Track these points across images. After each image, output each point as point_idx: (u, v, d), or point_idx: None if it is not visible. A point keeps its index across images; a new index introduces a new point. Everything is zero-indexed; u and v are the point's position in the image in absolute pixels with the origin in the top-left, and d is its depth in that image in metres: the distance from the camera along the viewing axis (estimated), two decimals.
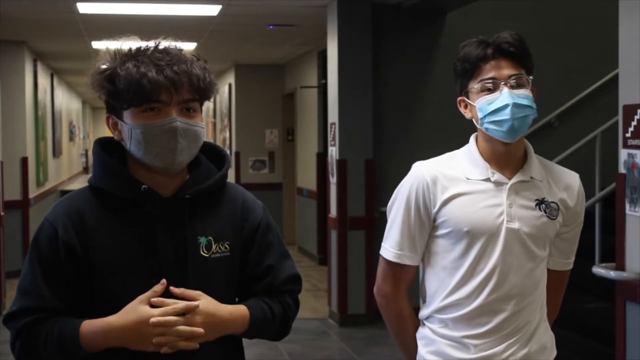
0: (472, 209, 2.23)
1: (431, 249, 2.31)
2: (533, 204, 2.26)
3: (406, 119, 7.55)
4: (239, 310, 2.02)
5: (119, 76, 1.94)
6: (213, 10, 7.79)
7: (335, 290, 7.51)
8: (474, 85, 2.26)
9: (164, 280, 1.93)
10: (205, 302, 1.94)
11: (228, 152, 13.40)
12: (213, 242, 2.03)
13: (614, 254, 4.16)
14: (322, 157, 10.19)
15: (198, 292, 1.95)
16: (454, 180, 2.27)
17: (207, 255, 2.01)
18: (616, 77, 4.41)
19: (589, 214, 6.00)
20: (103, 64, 1.98)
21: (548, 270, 2.34)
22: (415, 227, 2.29)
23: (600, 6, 7.51)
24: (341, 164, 7.34)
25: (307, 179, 11.38)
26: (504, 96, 2.20)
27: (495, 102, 2.21)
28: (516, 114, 2.20)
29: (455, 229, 2.24)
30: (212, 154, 2.14)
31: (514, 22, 7.59)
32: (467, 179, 2.27)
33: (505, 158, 2.28)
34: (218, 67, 13.47)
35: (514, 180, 2.26)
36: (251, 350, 6.74)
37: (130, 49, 1.99)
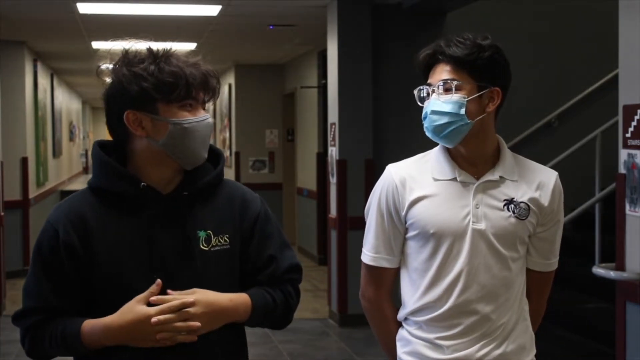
0: (438, 210, 2.23)
1: (404, 251, 2.32)
2: (501, 204, 2.24)
3: (406, 119, 7.54)
4: (240, 297, 2.07)
5: (164, 70, 2.00)
6: (213, 10, 7.80)
7: (335, 290, 7.51)
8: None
9: (159, 281, 1.97)
10: (202, 294, 1.99)
11: (228, 152, 13.45)
12: (212, 236, 2.07)
13: (614, 254, 4.15)
14: (322, 157, 10.19)
15: (192, 289, 2.00)
16: (421, 182, 2.26)
17: (206, 249, 2.06)
18: (616, 77, 4.41)
19: (589, 214, 6.07)
20: (139, 58, 2.03)
21: (529, 270, 2.32)
22: (390, 230, 2.30)
23: (600, 6, 7.51)
24: (341, 164, 7.34)
25: (307, 179, 11.38)
26: (429, 103, 2.23)
27: (424, 109, 2.25)
28: (434, 121, 2.21)
29: (422, 231, 2.24)
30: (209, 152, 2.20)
31: (514, 22, 7.61)
32: (435, 179, 2.26)
33: (471, 157, 2.26)
34: (218, 67, 13.41)
35: (481, 180, 2.25)
36: (251, 351, 6.68)
37: (165, 48, 2.06)
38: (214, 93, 2.09)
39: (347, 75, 7.33)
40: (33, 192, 10.45)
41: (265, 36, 9.57)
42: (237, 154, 12.86)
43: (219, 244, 2.08)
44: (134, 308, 1.95)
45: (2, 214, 8.07)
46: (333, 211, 7.51)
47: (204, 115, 2.06)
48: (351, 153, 7.34)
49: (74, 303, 2.02)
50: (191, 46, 10.37)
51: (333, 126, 7.50)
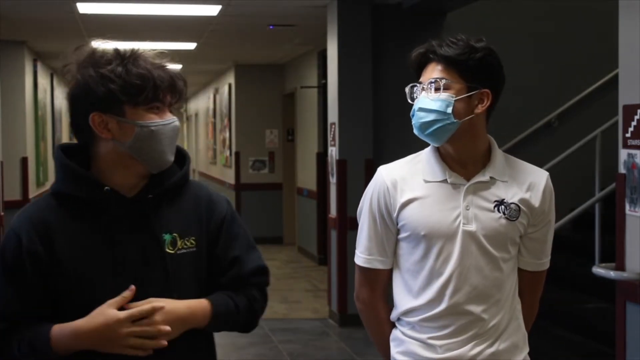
0: (428, 212, 2.24)
1: (396, 252, 2.33)
2: (491, 205, 2.24)
3: (406, 119, 7.48)
4: (199, 303, 2.03)
5: (131, 71, 1.96)
6: (213, 10, 7.80)
7: (335, 290, 7.51)
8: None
9: (132, 287, 1.94)
10: (161, 302, 1.96)
11: (228, 152, 13.45)
12: (178, 239, 2.04)
13: (614, 254, 4.15)
14: (322, 157, 10.19)
15: (148, 299, 1.96)
16: (412, 184, 2.27)
17: (172, 252, 2.03)
18: (616, 77, 4.40)
19: (589, 214, 6.07)
20: (105, 58, 1.98)
21: (521, 270, 2.33)
22: (382, 231, 2.31)
23: (600, 6, 7.51)
24: (341, 164, 7.34)
25: (307, 179, 11.38)
26: (418, 101, 2.25)
27: (413, 106, 2.26)
28: (421, 118, 2.23)
29: (413, 232, 2.25)
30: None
31: (514, 22, 7.62)
32: (425, 181, 2.27)
33: (461, 158, 2.27)
34: (218, 67, 13.47)
35: (471, 181, 2.25)
36: (251, 350, 6.73)
37: (133, 49, 2.01)
38: (180, 95, 2.05)
39: (347, 75, 7.33)
40: (33, 192, 10.45)
41: (265, 36, 9.57)
42: (237, 154, 12.86)
43: (185, 246, 2.05)
44: (105, 312, 1.92)
45: (2, 214, 8.06)
46: (333, 211, 7.51)
47: (171, 118, 2.02)
48: (351, 153, 7.34)
49: (39, 309, 1.98)
50: (191, 46, 10.37)
51: (333, 126, 7.50)
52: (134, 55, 1.99)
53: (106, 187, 1.99)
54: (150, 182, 2.04)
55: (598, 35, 7.51)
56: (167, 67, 2.02)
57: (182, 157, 2.13)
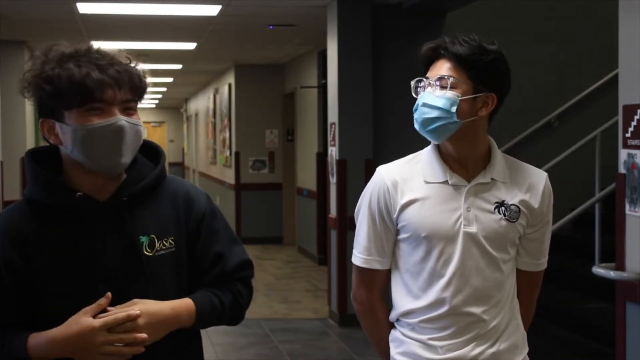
0: (429, 213, 2.23)
1: (395, 252, 2.32)
2: (492, 207, 2.24)
3: (406, 119, 7.51)
4: (183, 304, 2.00)
5: (60, 76, 1.90)
6: (213, 10, 7.80)
7: (335, 290, 7.52)
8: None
9: (108, 294, 1.91)
10: (143, 305, 1.93)
11: (228, 152, 13.45)
12: (156, 240, 2.00)
13: (614, 254, 4.16)
14: (322, 157, 10.19)
15: (132, 301, 1.93)
16: (413, 184, 2.26)
17: (150, 254, 1.99)
18: (616, 77, 4.40)
19: (589, 214, 6.07)
20: (39, 66, 1.95)
21: (519, 271, 2.33)
22: (381, 232, 2.30)
23: (600, 6, 7.52)
24: (341, 164, 7.35)
25: (307, 179, 11.38)
26: (422, 96, 2.23)
27: (417, 101, 2.25)
28: (424, 114, 2.21)
29: (413, 234, 2.24)
30: (147, 150, 2.09)
31: (514, 22, 7.62)
32: (426, 182, 2.26)
33: (461, 158, 2.26)
34: (218, 67, 13.47)
35: (472, 182, 2.25)
36: (251, 350, 6.74)
37: (66, 51, 1.95)
38: (140, 92, 1.98)
39: (347, 75, 7.33)
40: None
41: (265, 36, 9.57)
42: (237, 154, 12.87)
43: (164, 247, 2.00)
44: (80, 320, 1.89)
45: None
46: (333, 211, 7.51)
47: (113, 119, 1.91)
48: (351, 153, 7.34)
49: (17, 318, 1.95)
50: (191, 46, 10.37)
51: (333, 126, 7.51)
52: (74, 56, 1.93)
53: (78, 193, 1.95)
54: (124, 183, 1.99)
55: (598, 35, 7.51)
56: (118, 62, 1.94)
57: (156, 153, 2.08)
